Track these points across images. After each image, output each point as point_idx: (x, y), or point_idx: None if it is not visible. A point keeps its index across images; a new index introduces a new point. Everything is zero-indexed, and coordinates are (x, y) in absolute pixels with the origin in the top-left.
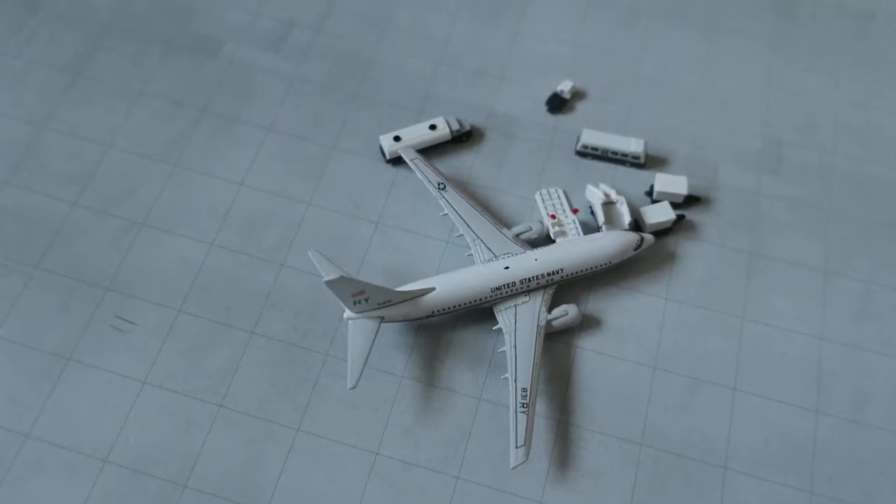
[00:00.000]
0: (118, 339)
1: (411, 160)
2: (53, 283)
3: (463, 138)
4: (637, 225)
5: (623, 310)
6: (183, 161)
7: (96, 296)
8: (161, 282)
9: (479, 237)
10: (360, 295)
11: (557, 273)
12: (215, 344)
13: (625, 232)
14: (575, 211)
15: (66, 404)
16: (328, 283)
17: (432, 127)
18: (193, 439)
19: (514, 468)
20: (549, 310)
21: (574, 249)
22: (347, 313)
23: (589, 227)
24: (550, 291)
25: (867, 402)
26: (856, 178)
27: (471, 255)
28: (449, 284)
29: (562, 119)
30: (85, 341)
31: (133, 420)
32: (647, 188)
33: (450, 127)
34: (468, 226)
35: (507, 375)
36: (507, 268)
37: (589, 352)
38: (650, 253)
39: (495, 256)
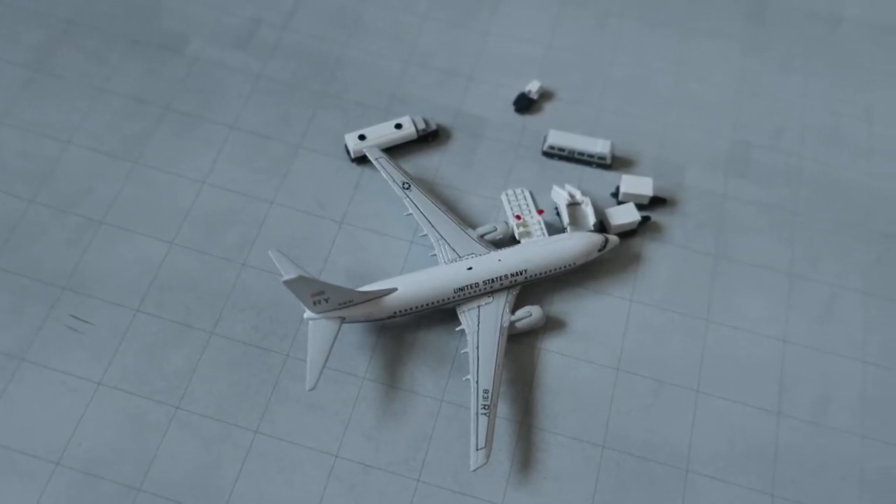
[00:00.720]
0: (73, 339)
1: (376, 159)
2: (7, 282)
3: (429, 138)
4: (602, 226)
5: (587, 311)
6: (144, 159)
7: (52, 295)
8: (119, 281)
9: (443, 237)
10: (320, 295)
11: (521, 274)
12: (173, 344)
13: (589, 233)
14: (540, 212)
15: (18, 406)
16: (287, 282)
17: (398, 126)
18: (149, 442)
19: (474, 470)
20: (513, 311)
21: (538, 250)
22: (308, 313)
23: (554, 228)
24: (514, 292)
25: (830, 404)
26: (823, 181)
27: (435, 255)
28: (411, 285)
29: (530, 120)
30: (39, 341)
31: (87, 422)
32: (614, 189)
33: (416, 126)
34: (432, 226)
35: (469, 377)
36: (470, 268)
37: (552, 353)
38: (615, 254)
39: (459, 257)
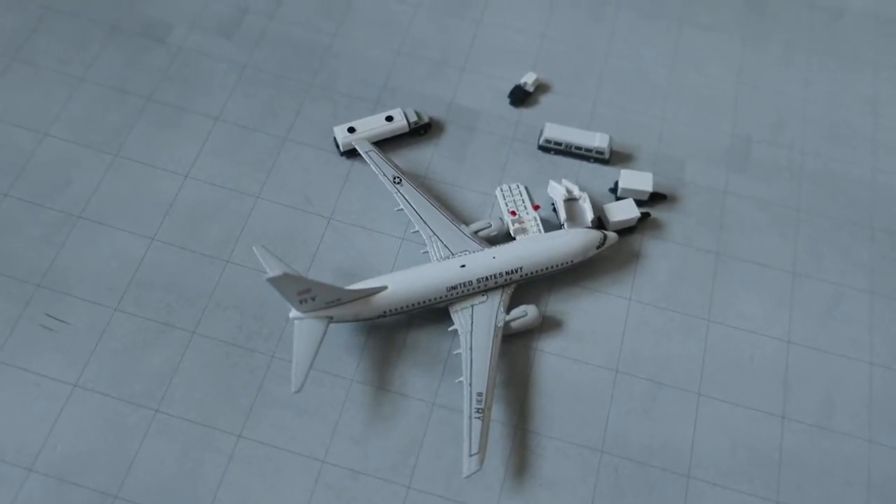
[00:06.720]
0: (48, 339)
1: (366, 152)
2: None
3: (421, 131)
4: (600, 222)
5: (585, 311)
6: (125, 151)
7: (26, 293)
8: (97, 278)
9: (435, 234)
10: (307, 293)
11: (516, 272)
12: (153, 345)
13: (587, 230)
14: (536, 207)
15: None
16: (271, 280)
17: (389, 118)
18: (126, 447)
19: (467, 477)
20: (508, 310)
21: (534, 247)
22: (294, 313)
23: (551, 225)
24: (509, 291)
25: (835, 407)
26: (825, 177)
27: (427, 252)
28: (402, 283)
29: (525, 113)
30: (12, 341)
31: (62, 425)
32: (612, 185)
33: (407, 119)
34: (424, 222)
35: (462, 379)
36: (463, 266)
37: (548, 354)
38: (613, 252)
39: (452, 254)
